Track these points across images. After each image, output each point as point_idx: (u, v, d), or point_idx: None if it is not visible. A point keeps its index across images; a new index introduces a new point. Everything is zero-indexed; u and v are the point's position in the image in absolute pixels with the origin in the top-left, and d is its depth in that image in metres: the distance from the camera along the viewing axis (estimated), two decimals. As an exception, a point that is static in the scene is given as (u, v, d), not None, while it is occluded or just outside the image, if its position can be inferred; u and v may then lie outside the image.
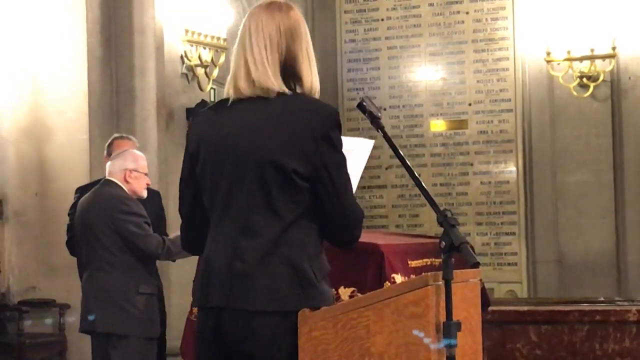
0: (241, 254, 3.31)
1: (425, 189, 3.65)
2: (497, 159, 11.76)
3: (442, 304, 3.36)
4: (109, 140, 7.42)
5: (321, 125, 3.31)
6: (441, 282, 3.37)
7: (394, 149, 3.71)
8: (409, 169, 3.67)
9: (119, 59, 9.66)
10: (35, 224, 9.55)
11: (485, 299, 7.46)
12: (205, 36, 10.24)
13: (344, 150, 3.38)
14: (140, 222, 6.37)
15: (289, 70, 3.35)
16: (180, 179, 3.53)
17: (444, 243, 3.39)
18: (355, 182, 3.75)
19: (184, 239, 3.61)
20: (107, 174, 6.60)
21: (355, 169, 3.78)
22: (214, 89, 10.50)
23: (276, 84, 3.31)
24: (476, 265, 3.41)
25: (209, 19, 10.26)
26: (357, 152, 3.95)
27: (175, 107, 10.11)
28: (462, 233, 3.46)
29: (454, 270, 3.38)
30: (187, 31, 10.10)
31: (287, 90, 3.32)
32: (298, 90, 3.36)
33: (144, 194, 6.60)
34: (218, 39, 10.31)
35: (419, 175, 12.27)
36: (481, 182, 11.78)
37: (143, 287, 6.40)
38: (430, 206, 3.60)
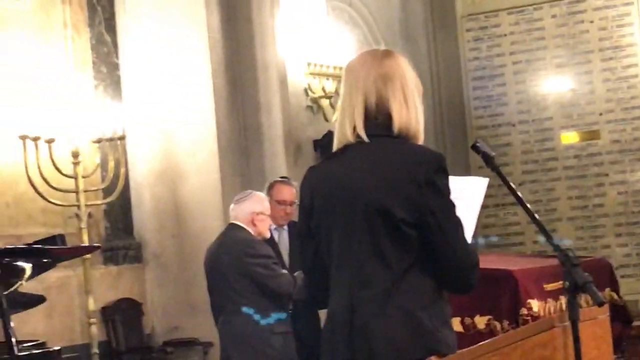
0: (358, 306, 3.33)
1: (543, 227, 3.57)
2: (633, 167, 11.51)
3: (571, 344, 3.30)
4: (269, 183, 7.49)
5: (425, 171, 3.30)
6: (567, 323, 3.30)
7: (509, 188, 3.65)
8: (525, 207, 3.60)
9: (244, 98, 9.80)
10: (174, 265, 9.74)
11: (627, 316, 7.31)
12: (327, 67, 10.30)
13: (456, 190, 3.36)
14: (268, 263, 6.43)
15: (380, 113, 3.37)
16: (299, 235, 3.56)
17: (567, 283, 3.33)
18: (472, 223, 3.70)
19: (310, 294, 3.64)
20: (232, 218, 6.68)
21: (470, 210, 3.73)
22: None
23: (352, 132, 3.35)
24: (601, 304, 3.33)
25: (329, 50, 10.31)
26: (470, 191, 3.91)
27: (303, 140, 10.18)
28: (585, 273, 3.38)
29: (582, 309, 3.31)
30: (309, 64, 10.18)
31: (363, 135, 3.34)
32: (390, 132, 3.36)
33: (268, 235, 6.67)
34: (340, 68, 10.35)
35: (553, 189, 11.96)
36: (618, 193, 11.54)
37: (278, 327, 6.46)
38: (549, 243, 3.53)
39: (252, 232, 6.60)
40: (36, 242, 4.26)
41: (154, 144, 9.77)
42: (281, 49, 9.88)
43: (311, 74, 10.20)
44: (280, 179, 7.62)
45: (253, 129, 9.82)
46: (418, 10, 12.56)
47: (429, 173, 3.29)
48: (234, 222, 6.66)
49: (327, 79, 10.33)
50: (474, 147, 3.76)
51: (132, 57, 9.83)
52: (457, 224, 3.33)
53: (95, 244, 7.23)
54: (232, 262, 6.45)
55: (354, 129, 3.36)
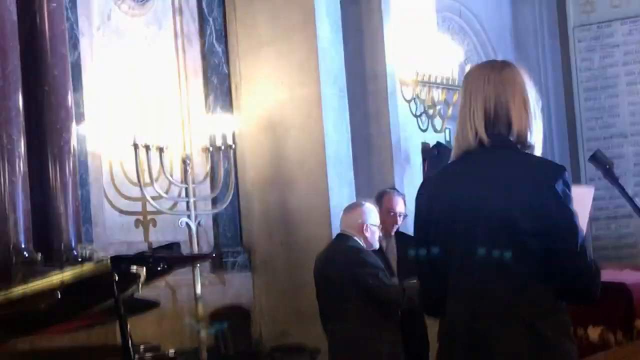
0: (478, 317, 3.31)
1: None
2: None
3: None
4: (379, 193, 7.50)
5: (548, 182, 3.26)
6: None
7: (628, 199, 3.59)
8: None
9: (353, 107, 9.82)
10: (282, 272, 9.79)
11: None
12: (437, 77, 10.26)
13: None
14: (377, 273, 6.43)
15: (499, 119, 3.33)
16: (415, 244, 3.56)
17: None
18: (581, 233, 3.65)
19: (424, 303, 3.63)
20: (342, 227, 6.69)
21: (581, 219, 3.68)
22: (449, 129, 10.50)
23: (474, 138, 3.32)
24: None
25: (439, 59, 10.27)
26: (578, 201, 3.85)
27: (412, 150, 10.15)
28: None
29: None
30: (418, 73, 10.15)
31: (487, 142, 3.30)
32: (511, 138, 3.33)
33: (377, 245, 6.67)
34: (449, 78, 10.31)
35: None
36: None
37: (386, 336, 6.45)
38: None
39: (362, 242, 6.61)
40: (152, 249, 4.33)
41: (263, 152, 9.85)
42: (391, 59, 9.88)
43: (420, 83, 10.17)
44: (389, 189, 7.62)
45: (362, 139, 9.83)
46: (529, 19, 12.44)
47: (552, 184, 3.26)
48: (343, 231, 6.67)
49: (437, 88, 10.29)
50: (594, 157, 3.72)
51: (243, 67, 9.93)
52: (578, 234, 3.30)
53: (209, 253, 7.32)
54: (341, 272, 6.47)
55: (476, 134, 3.34)
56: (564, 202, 3.29)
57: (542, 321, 3.28)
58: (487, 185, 3.32)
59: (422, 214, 3.49)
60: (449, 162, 3.48)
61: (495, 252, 3.29)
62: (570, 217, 3.30)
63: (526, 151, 3.37)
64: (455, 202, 3.37)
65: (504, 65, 3.44)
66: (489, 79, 3.38)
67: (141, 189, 8.73)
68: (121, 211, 9.00)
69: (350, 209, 6.79)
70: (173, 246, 4.16)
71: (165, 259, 3.94)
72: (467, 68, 3.58)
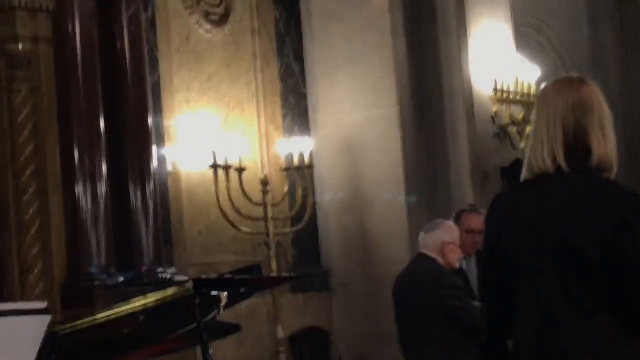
0: (544, 346, 3.23)
1: None
2: None
3: None
4: (457, 213, 7.43)
5: (621, 210, 3.17)
6: None
7: None
8: None
9: (431, 126, 9.78)
10: (360, 294, 9.76)
11: None
12: (516, 94, 10.17)
13: None
14: (458, 294, 6.35)
15: (578, 144, 3.25)
16: (483, 264, 3.50)
17: None
18: None
19: (489, 325, 3.56)
20: (421, 247, 6.63)
21: None
22: (528, 146, 10.34)
23: (552, 162, 3.23)
24: None
25: (518, 76, 10.18)
26: None
27: (490, 168, 10.06)
28: None
29: None
30: (496, 91, 10.07)
31: (565, 166, 3.23)
32: (588, 162, 3.24)
33: (458, 265, 6.60)
34: (529, 95, 10.20)
35: None
36: None
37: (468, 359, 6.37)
38: None
39: (442, 262, 6.54)
40: (233, 272, 4.32)
41: (341, 172, 9.84)
42: (468, 77, 9.81)
43: (499, 101, 10.08)
44: (468, 208, 7.53)
45: (439, 157, 9.78)
46: (609, 35, 12.30)
47: (625, 213, 3.17)
48: (423, 252, 6.61)
49: (516, 106, 10.19)
50: None
51: (320, 87, 9.95)
52: None
53: (289, 275, 7.32)
54: (421, 293, 6.40)
55: (554, 158, 3.26)
56: (637, 233, 3.19)
57: (610, 353, 3.19)
58: (559, 211, 3.23)
59: (491, 234, 3.42)
60: (521, 182, 3.40)
61: (563, 280, 3.21)
62: None
63: (604, 175, 3.28)
64: (524, 226, 3.29)
65: (581, 83, 3.35)
66: (567, 99, 3.29)
67: (220, 210, 8.76)
68: (201, 232, 9.05)
69: (429, 228, 6.71)
70: (254, 269, 4.15)
71: (247, 282, 3.93)
72: (544, 84, 3.47)
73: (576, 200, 3.21)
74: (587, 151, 3.23)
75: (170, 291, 3.94)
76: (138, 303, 3.92)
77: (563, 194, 3.23)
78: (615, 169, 3.27)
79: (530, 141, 3.31)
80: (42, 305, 3.57)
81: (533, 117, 3.35)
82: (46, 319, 3.54)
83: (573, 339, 3.17)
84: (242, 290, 4.07)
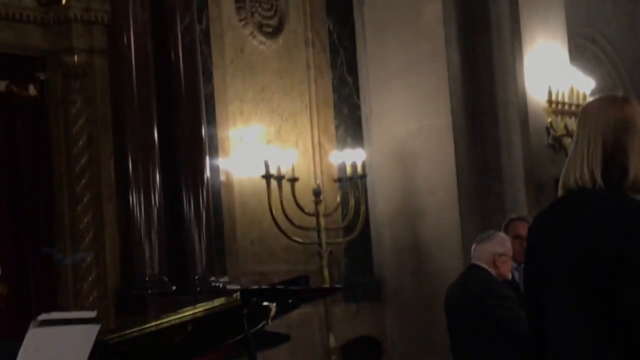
0: None
1: None
2: None
3: None
4: (506, 221, 7.43)
5: (634, 227, 3.14)
6: None
7: None
8: None
9: (485, 136, 9.76)
10: (413, 304, 9.75)
11: None
12: (570, 105, 10.10)
13: None
14: (510, 305, 6.33)
15: (616, 163, 3.23)
16: (523, 279, 3.50)
17: None
18: None
19: (530, 339, 3.55)
20: (473, 258, 6.63)
21: None
22: None
23: (590, 178, 3.20)
24: None
25: (572, 87, 10.12)
26: None
27: (545, 180, 10.00)
28: None
29: None
30: (551, 102, 10.01)
31: (600, 184, 3.19)
32: (624, 183, 3.21)
33: (510, 276, 6.59)
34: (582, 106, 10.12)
35: None
36: None
37: (520, 371, 6.34)
38: None
39: (494, 273, 6.53)
40: (282, 282, 4.35)
41: (394, 182, 9.85)
42: (522, 87, 9.78)
43: (553, 112, 10.03)
44: (516, 216, 7.53)
45: (493, 168, 9.75)
46: (665, 45, 12.19)
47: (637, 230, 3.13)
48: (475, 262, 6.60)
49: (570, 117, 10.13)
50: None
51: (373, 98, 9.96)
52: None
53: (338, 286, 7.35)
54: (473, 304, 6.40)
55: (592, 176, 3.24)
56: None
57: None
58: (576, 227, 3.20)
59: (527, 253, 3.43)
60: (557, 199, 3.39)
61: (583, 301, 3.18)
62: None
63: (638, 197, 3.24)
64: (550, 244, 3.28)
65: (624, 101, 3.32)
66: (610, 116, 3.27)
67: (273, 219, 8.80)
68: (253, 241, 9.09)
69: (481, 239, 6.71)
70: (302, 279, 4.18)
71: (295, 292, 3.96)
72: (590, 99, 3.44)
73: (592, 218, 3.17)
74: (625, 170, 3.21)
75: (218, 301, 3.98)
76: (186, 313, 3.96)
77: (582, 212, 3.20)
78: None
79: (569, 157, 3.29)
80: (92, 314, 3.62)
81: (575, 133, 3.33)
82: (95, 328, 3.59)
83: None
84: (290, 301, 4.10)
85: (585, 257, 3.15)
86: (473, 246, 6.68)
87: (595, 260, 3.12)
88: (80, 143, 7.77)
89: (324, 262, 9.06)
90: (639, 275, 3.08)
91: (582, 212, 3.20)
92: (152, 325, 3.94)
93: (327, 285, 7.74)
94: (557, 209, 3.32)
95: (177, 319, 3.96)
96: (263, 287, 4.65)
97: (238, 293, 3.93)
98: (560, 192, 3.28)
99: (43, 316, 3.52)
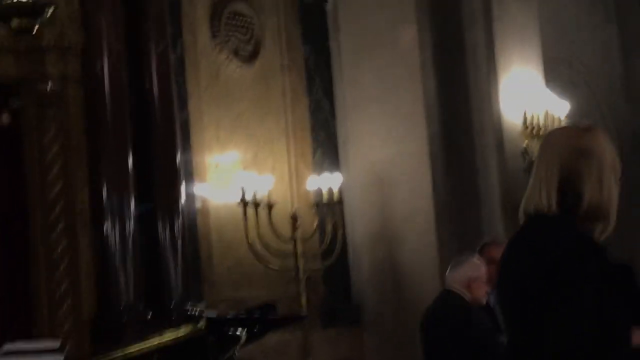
0: None
1: None
2: None
3: None
4: (480, 245, 7.42)
5: (554, 255, 3.15)
6: None
7: None
8: None
9: (461, 161, 9.77)
10: (392, 328, 9.73)
11: None
12: (546, 128, 10.11)
13: None
14: (483, 332, 6.33)
15: (571, 189, 3.24)
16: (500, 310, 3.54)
17: None
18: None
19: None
20: (447, 283, 6.63)
21: None
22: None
23: (546, 204, 3.21)
24: None
25: (548, 111, 10.14)
26: None
27: (520, 203, 10.00)
28: None
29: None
30: (526, 126, 10.03)
31: (554, 210, 3.20)
32: (579, 209, 3.22)
33: (484, 301, 6.58)
34: (559, 130, 10.14)
35: None
36: None
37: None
38: None
39: (468, 298, 6.52)
40: (247, 310, 4.35)
41: (371, 207, 9.85)
42: (498, 112, 9.80)
43: (529, 136, 10.05)
44: (490, 240, 7.51)
45: (470, 192, 9.75)
46: (641, 69, 12.24)
47: (556, 259, 3.14)
48: (449, 287, 6.60)
49: (546, 141, 10.13)
50: None
51: (350, 123, 9.98)
52: (573, 322, 3.13)
53: (302, 314, 7.31)
54: (447, 329, 6.39)
55: (548, 201, 3.25)
56: (565, 280, 3.14)
57: None
58: (515, 252, 3.25)
59: (498, 277, 3.47)
60: (520, 225, 3.41)
61: (512, 334, 3.22)
62: (568, 297, 3.14)
63: (596, 223, 3.24)
64: (505, 272, 3.32)
65: (586, 131, 3.34)
66: (568, 144, 3.29)
67: (249, 246, 8.79)
68: (230, 267, 9.08)
69: (455, 264, 6.71)
70: (268, 307, 4.17)
71: (259, 321, 3.95)
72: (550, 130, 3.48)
73: (527, 244, 3.17)
74: (579, 196, 3.21)
75: (184, 330, 3.97)
76: (152, 342, 3.95)
77: (524, 236, 3.22)
78: (611, 218, 3.22)
79: (529, 183, 3.30)
80: (56, 344, 3.60)
81: (535, 159, 3.34)
82: (59, 358, 3.57)
83: None
84: (255, 329, 4.09)
85: (522, 284, 3.17)
86: (447, 271, 6.68)
87: (528, 288, 3.13)
88: (54, 171, 7.75)
89: (302, 287, 9.05)
90: (557, 302, 3.08)
91: (530, 239, 3.22)
92: (119, 356, 3.93)
93: (292, 314, 7.71)
94: (517, 236, 3.33)
95: (143, 348, 3.94)
96: (229, 315, 4.64)
97: (204, 321, 3.93)
98: (521, 219, 3.29)
99: (7, 346, 3.51)
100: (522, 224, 3.28)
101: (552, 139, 3.32)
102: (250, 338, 4.23)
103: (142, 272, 7.86)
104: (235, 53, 9.39)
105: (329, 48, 10.10)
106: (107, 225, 7.71)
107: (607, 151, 3.26)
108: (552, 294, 3.06)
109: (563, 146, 3.27)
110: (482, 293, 6.60)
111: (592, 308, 3.02)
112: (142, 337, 4.36)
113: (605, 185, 3.21)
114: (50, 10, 6.77)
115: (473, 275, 6.56)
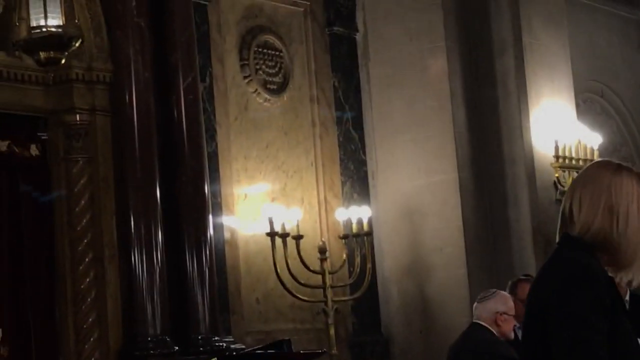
0: None
1: None
2: None
3: None
4: (513, 281, 7.35)
5: (550, 284, 3.10)
6: None
7: None
8: None
9: (491, 191, 9.70)
10: (421, 361, 9.65)
11: None
12: (577, 160, 10.04)
13: None
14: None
15: (569, 214, 3.22)
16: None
17: None
18: None
19: None
20: (475, 317, 6.56)
21: None
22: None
23: (559, 234, 3.22)
24: None
25: (579, 142, 10.06)
26: None
27: (553, 235, 9.85)
28: None
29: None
30: (558, 157, 9.95)
31: (564, 239, 3.20)
32: (584, 238, 3.18)
33: (512, 335, 6.50)
34: (591, 161, 10.04)
35: None
36: None
37: None
38: None
39: (496, 332, 6.45)
40: (262, 347, 4.29)
41: (400, 238, 9.78)
42: (529, 142, 9.72)
43: (560, 167, 9.96)
44: (524, 277, 7.43)
45: (500, 223, 9.67)
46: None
47: (553, 287, 3.10)
48: (476, 321, 6.53)
49: (577, 172, 10.06)
50: None
51: (379, 154, 9.93)
52: (569, 341, 3.08)
53: (319, 350, 7.21)
54: (474, 363, 6.32)
55: (561, 231, 3.27)
56: (559, 306, 3.09)
57: None
58: (534, 289, 3.23)
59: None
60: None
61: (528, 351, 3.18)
62: (560, 323, 3.07)
63: (596, 249, 3.20)
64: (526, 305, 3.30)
65: (618, 168, 3.29)
66: (580, 177, 3.28)
67: (278, 277, 8.73)
68: (258, 300, 9.02)
69: (483, 298, 6.64)
70: (284, 343, 4.11)
71: (273, 357, 3.89)
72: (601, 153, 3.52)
73: (541, 277, 3.22)
74: (573, 222, 3.22)
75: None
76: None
77: (541, 271, 3.25)
78: (630, 253, 3.17)
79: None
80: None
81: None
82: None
83: None
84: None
85: (530, 313, 3.17)
86: (475, 304, 6.61)
87: (534, 317, 3.13)
88: (82, 202, 7.74)
89: (330, 320, 8.97)
90: (555, 331, 3.06)
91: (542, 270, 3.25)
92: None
93: (308, 350, 7.61)
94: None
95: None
96: (243, 352, 4.59)
97: (215, 359, 3.88)
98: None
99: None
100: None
101: (581, 173, 3.31)
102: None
103: (169, 304, 7.81)
104: (264, 84, 9.38)
105: (359, 78, 10.07)
106: (134, 257, 7.68)
107: (608, 181, 3.21)
108: (548, 325, 3.07)
109: (598, 185, 3.23)
110: (510, 327, 6.53)
111: (579, 340, 3.00)
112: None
113: (600, 213, 3.16)
114: (78, 43, 6.81)
115: (500, 309, 6.50)
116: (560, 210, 3.26)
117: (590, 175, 3.23)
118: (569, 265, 3.12)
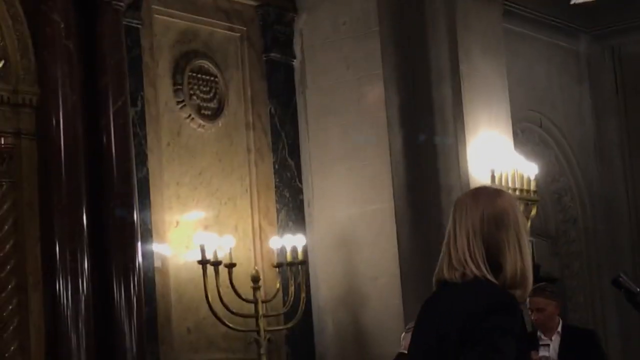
0: None
1: None
2: None
3: None
4: None
5: (477, 310, 3.04)
6: None
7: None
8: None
9: (427, 221, 9.61)
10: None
11: None
12: (514, 190, 9.99)
13: None
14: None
15: (492, 259, 3.16)
16: None
17: None
18: None
19: None
20: (402, 347, 6.48)
21: None
22: (532, 241, 10.22)
23: (476, 270, 3.12)
24: None
25: (515, 171, 10.01)
26: None
27: (491, 265, 9.86)
28: None
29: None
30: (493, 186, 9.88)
31: (487, 275, 3.12)
32: (500, 279, 3.13)
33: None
34: (527, 191, 10.03)
35: None
36: None
37: None
38: None
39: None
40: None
41: (335, 267, 9.68)
42: (465, 172, 9.66)
43: (496, 196, 9.88)
44: None
45: (436, 253, 9.54)
46: (613, 130, 12.17)
47: (480, 313, 3.03)
48: (403, 351, 6.45)
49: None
50: (615, 282, 3.61)
51: (315, 181, 9.83)
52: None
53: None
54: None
55: (454, 269, 3.17)
56: (488, 334, 3.02)
57: None
58: (436, 313, 3.16)
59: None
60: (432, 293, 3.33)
61: None
62: (485, 351, 3.01)
63: (516, 291, 3.14)
64: (420, 337, 3.25)
65: (497, 194, 3.25)
66: (483, 212, 3.19)
67: (209, 306, 8.58)
68: (190, 329, 8.86)
69: (410, 327, 6.55)
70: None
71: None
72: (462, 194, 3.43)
73: (448, 304, 3.14)
74: (500, 266, 3.15)
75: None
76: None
77: (445, 298, 3.19)
78: (529, 284, 3.15)
79: (443, 247, 3.24)
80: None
81: (450, 223, 3.26)
82: None
83: None
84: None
85: (439, 344, 3.10)
86: (402, 334, 6.54)
87: (446, 346, 3.07)
88: (6, 227, 7.56)
89: (263, 350, 8.83)
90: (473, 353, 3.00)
91: (446, 303, 3.14)
92: None
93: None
94: (426, 302, 3.27)
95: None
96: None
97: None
98: (435, 281, 3.24)
99: None
100: (437, 291, 3.19)
101: (462, 207, 3.23)
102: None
103: (94, 334, 7.62)
104: (199, 109, 9.25)
105: (295, 105, 9.97)
106: (59, 285, 7.50)
107: (519, 215, 3.20)
108: (475, 342, 2.99)
109: (477, 216, 3.18)
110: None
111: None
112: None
113: (523, 251, 3.16)
114: (1, 64, 6.66)
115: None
116: (481, 249, 3.19)
117: (501, 213, 3.18)
118: (506, 293, 3.09)
